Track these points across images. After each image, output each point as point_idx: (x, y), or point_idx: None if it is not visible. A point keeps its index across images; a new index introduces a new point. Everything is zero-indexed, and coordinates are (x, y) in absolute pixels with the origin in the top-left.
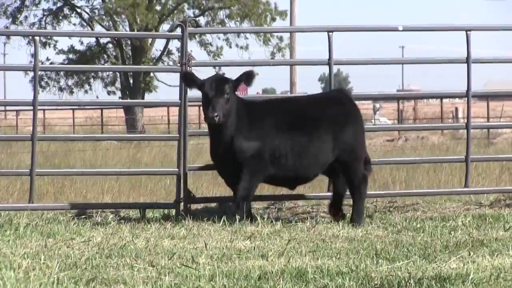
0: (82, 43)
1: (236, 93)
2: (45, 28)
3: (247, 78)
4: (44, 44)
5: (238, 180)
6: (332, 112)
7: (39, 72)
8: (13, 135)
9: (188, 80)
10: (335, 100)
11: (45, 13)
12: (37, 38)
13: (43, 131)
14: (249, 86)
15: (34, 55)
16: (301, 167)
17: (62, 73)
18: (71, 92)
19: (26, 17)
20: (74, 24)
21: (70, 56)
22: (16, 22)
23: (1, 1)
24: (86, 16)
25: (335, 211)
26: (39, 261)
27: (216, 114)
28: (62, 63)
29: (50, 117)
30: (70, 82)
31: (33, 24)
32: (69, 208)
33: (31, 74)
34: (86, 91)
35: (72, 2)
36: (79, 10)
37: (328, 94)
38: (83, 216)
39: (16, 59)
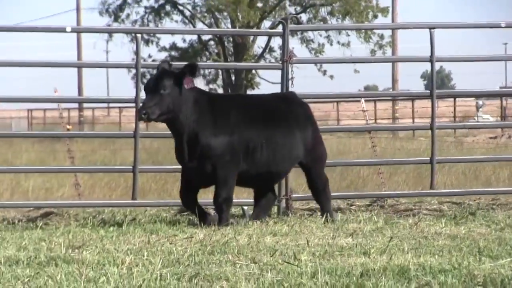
0: (184, 40)
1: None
2: (147, 25)
3: (191, 70)
4: (147, 42)
5: (214, 181)
6: (295, 110)
7: (141, 70)
8: (116, 132)
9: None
10: (292, 100)
11: (147, 11)
12: (139, 35)
13: (146, 128)
14: (195, 78)
15: (136, 53)
16: (274, 163)
17: None
18: None
19: (128, 14)
20: (176, 21)
21: (172, 53)
22: (118, 20)
23: None
24: (188, 13)
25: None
26: (142, 257)
27: (144, 111)
28: (164, 60)
29: None
30: None
31: (135, 21)
32: (172, 205)
33: (134, 71)
34: None
35: None
36: (181, 8)
37: (284, 94)
38: (186, 213)
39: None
